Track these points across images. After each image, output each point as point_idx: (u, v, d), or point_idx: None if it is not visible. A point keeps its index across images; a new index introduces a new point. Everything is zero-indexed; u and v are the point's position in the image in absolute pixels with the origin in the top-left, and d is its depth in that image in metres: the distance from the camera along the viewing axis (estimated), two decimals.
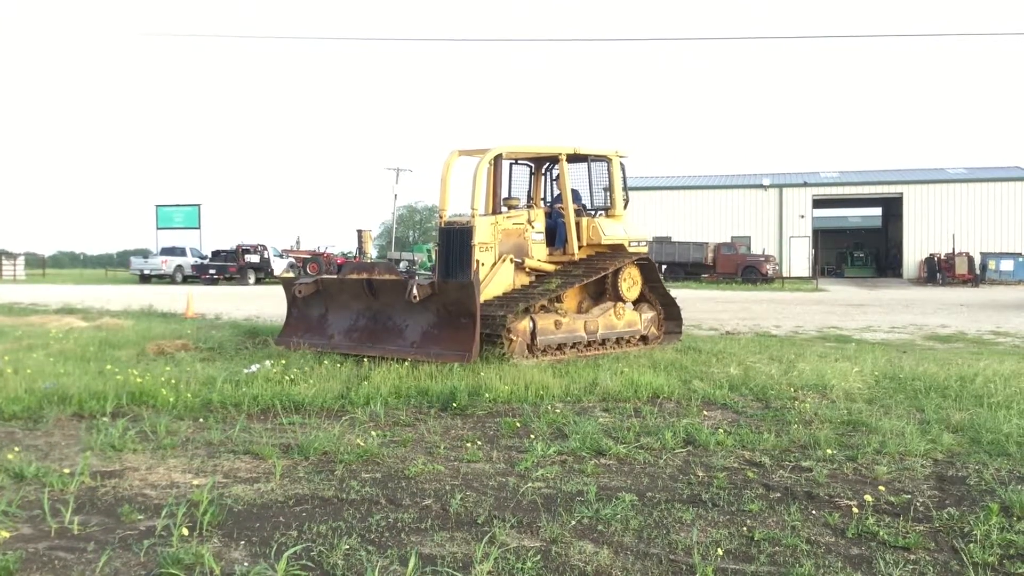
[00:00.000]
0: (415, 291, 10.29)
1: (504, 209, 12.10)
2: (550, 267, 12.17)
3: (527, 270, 11.85)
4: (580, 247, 12.33)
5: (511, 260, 11.55)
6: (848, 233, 69.76)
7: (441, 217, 11.80)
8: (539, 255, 12.04)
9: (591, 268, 12.05)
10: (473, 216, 11.26)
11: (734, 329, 16.75)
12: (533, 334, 10.98)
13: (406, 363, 9.76)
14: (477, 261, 11.11)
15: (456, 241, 11.40)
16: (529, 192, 13.17)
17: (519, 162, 12.99)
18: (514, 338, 10.70)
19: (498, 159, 12.09)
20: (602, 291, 12.39)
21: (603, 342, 12.02)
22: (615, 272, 12.16)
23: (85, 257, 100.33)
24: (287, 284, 12.59)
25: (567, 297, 11.97)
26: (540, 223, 12.17)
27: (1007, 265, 45.09)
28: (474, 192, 11.30)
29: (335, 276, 13.29)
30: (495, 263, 11.39)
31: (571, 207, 12.25)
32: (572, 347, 11.53)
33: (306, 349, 11.06)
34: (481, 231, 11.27)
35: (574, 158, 12.51)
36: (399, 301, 10.80)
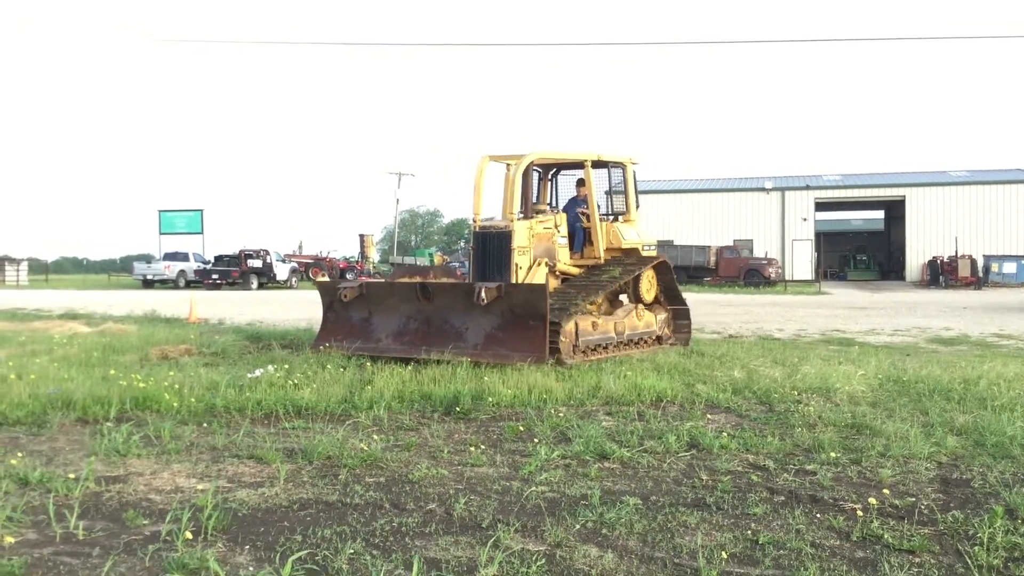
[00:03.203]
0: (483, 294, 10.37)
1: (532, 214, 12.30)
2: (575, 270, 12.48)
3: (556, 273, 12.02)
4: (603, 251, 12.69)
5: (545, 263, 11.74)
6: (851, 236, 69.75)
7: (475, 221, 11.88)
8: (564, 259, 12.31)
9: (625, 269, 12.35)
10: (512, 220, 11.46)
11: (737, 332, 16.75)
12: (576, 335, 11.10)
13: (409, 367, 9.79)
14: (516, 265, 11.24)
15: (494, 245, 11.51)
16: (536, 197, 13.27)
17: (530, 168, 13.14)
18: (564, 339, 10.75)
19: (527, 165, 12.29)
20: (617, 293, 12.67)
21: (628, 342, 12.22)
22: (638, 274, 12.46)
23: (88, 262, 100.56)
24: (325, 288, 12.58)
25: (599, 300, 12.16)
26: (564, 228, 12.42)
27: (1010, 268, 45.00)
28: (511, 197, 11.64)
29: (381, 280, 13.34)
30: (530, 266, 11.56)
31: (597, 212, 12.63)
32: (605, 347, 11.70)
33: (350, 353, 10.94)
34: (519, 235, 11.41)
35: (597, 164, 12.85)
36: (458, 304, 10.91)
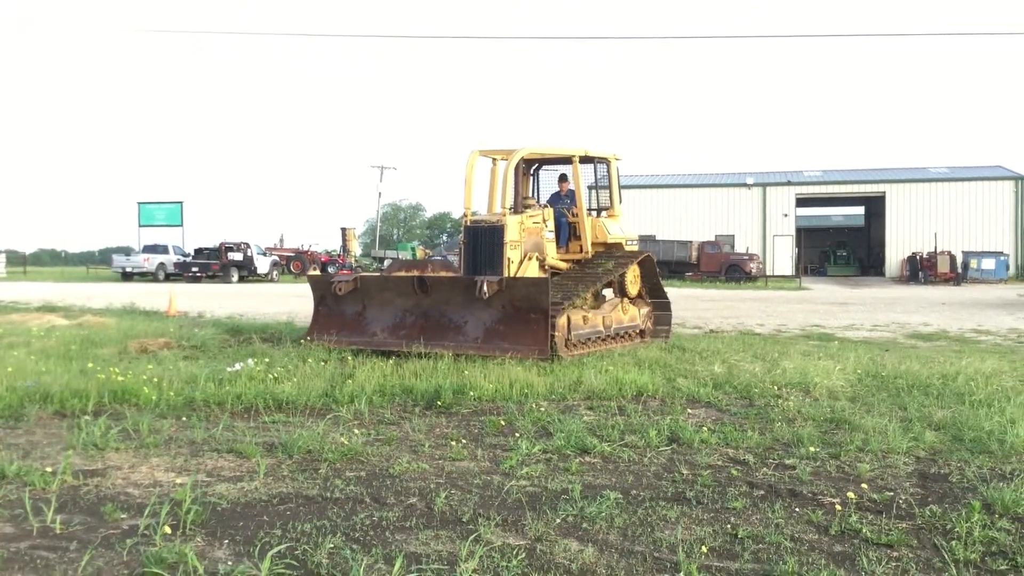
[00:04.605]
0: (485, 288, 10.35)
1: (522, 209, 12.33)
2: (564, 265, 12.50)
3: (545, 268, 12.04)
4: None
5: (536, 258, 11.75)
6: (831, 232, 70.04)
7: (466, 215, 11.86)
8: (552, 253, 12.31)
9: (618, 263, 12.41)
10: (504, 215, 11.46)
11: (718, 327, 16.81)
12: (569, 328, 11.12)
13: (390, 361, 9.77)
14: (508, 259, 11.24)
15: (485, 239, 11.49)
16: (516, 191, 13.26)
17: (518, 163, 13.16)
18: (558, 333, 10.74)
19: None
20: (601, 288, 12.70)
21: (615, 336, 12.25)
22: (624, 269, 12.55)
23: (67, 255, 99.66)
24: (318, 282, 12.53)
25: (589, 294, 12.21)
26: (552, 222, 12.44)
27: (988, 264, 45.39)
28: (503, 191, 11.63)
29: (377, 274, 13.27)
30: (521, 261, 11.56)
31: (584, 207, 12.68)
32: (594, 341, 11.73)
33: (344, 347, 10.86)
34: (511, 230, 11.40)
35: (584, 160, 12.91)
36: (456, 297, 10.90)
